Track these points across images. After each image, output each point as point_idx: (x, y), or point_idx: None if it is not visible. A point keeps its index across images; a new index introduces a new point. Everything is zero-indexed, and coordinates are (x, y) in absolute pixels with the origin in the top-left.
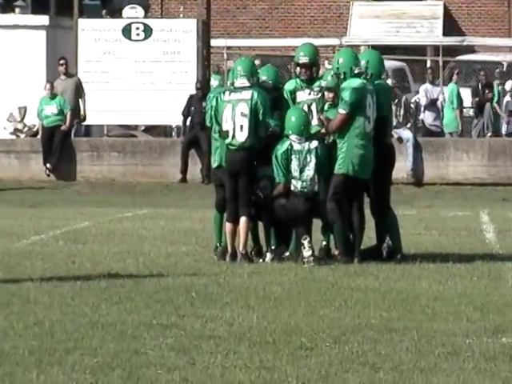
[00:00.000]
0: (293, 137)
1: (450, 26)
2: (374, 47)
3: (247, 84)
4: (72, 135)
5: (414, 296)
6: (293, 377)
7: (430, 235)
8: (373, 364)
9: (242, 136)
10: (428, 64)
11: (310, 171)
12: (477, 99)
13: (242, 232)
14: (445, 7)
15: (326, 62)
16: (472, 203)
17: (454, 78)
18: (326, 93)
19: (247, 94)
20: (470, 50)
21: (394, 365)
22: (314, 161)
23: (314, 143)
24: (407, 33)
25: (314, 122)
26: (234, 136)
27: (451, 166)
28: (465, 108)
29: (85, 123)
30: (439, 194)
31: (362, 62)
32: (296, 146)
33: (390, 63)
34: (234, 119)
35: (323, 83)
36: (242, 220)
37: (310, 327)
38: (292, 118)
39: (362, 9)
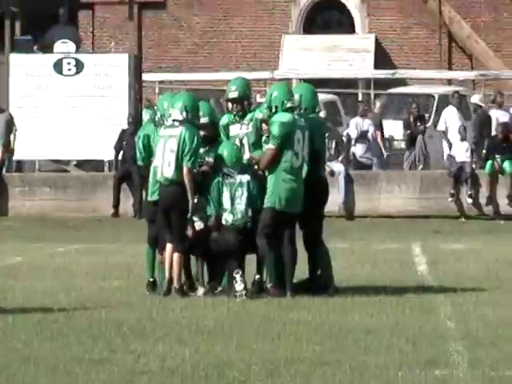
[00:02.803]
0: (224, 169)
1: (382, 58)
2: (305, 80)
3: (180, 118)
4: (4, 170)
5: (347, 329)
6: None
7: (362, 268)
8: None
9: (169, 172)
10: (360, 97)
11: (240, 204)
12: (408, 131)
13: (175, 267)
14: (376, 40)
15: (258, 95)
16: (404, 236)
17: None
18: (263, 125)
19: (177, 131)
20: (402, 82)
21: None
22: (245, 194)
23: (246, 177)
24: (339, 66)
25: (246, 155)
26: (162, 172)
27: (383, 199)
28: (396, 140)
29: (17, 158)
30: (371, 227)
31: (296, 96)
32: (227, 179)
33: (321, 96)
34: (163, 155)
35: (260, 115)
36: (175, 255)
37: (243, 361)
38: (224, 151)
39: (293, 42)
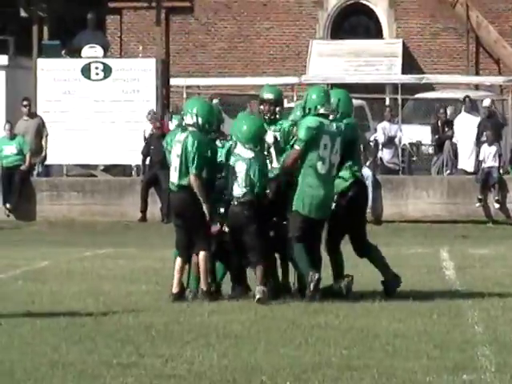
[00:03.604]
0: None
1: (409, 63)
2: (333, 85)
3: (190, 122)
4: (34, 175)
5: (374, 334)
6: None
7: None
8: None
9: (174, 177)
10: (387, 102)
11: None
12: (436, 136)
13: (201, 268)
14: (404, 45)
15: (286, 100)
16: (431, 240)
17: None
18: (294, 127)
19: (183, 136)
20: (430, 87)
21: None
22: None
23: (250, 153)
24: (366, 71)
25: (274, 164)
26: (171, 177)
27: (410, 204)
28: (424, 145)
29: (45, 163)
30: (398, 232)
31: (333, 100)
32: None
33: None
34: (172, 160)
35: (286, 124)
36: (201, 254)
37: (271, 365)
38: (243, 126)
39: (321, 47)
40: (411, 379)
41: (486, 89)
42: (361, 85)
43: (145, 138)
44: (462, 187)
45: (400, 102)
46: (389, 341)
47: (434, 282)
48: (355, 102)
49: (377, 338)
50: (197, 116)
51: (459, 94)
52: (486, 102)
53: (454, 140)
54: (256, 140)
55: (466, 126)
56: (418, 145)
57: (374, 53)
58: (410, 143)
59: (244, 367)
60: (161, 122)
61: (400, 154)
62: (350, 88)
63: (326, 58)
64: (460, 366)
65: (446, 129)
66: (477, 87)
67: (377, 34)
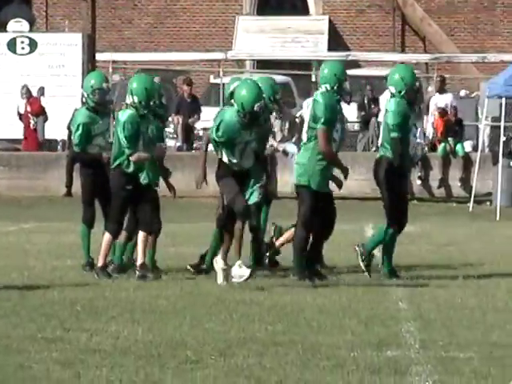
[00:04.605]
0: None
1: (335, 40)
2: (258, 61)
3: (128, 101)
4: None
5: (299, 309)
6: None
7: None
8: (258, 377)
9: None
10: (313, 79)
11: None
12: (362, 113)
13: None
14: (330, 22)
15: (212, 76)
16: (357, 217)
17: None
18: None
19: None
20: (356, 64)
21: (279, 378)
22: None
23: None
24: (292, 47)
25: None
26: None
27: None
28: (350, 122)
29: None
30: None
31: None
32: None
33: (275, 78)
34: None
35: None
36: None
37: (196, 340)
38: (243, 91)
39: (247, 23)
40: (335, 355)
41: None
42: (287, 61)
43: (18, 113)
44: None
45: None
46: (313, 316)
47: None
48: (281, 78)
49: (301, 314)
50: (132, 95)
51: (385, 72)
52: None
53: (379, 117)
54: None
55: None
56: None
57: (300, 29)
58: None
59: (169, 342)
60: (35, 98)
61: None
62: (276, 64)
63: (253, 34)
64: (384, 342)
65: (372, 106)
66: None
67: (303, 10)
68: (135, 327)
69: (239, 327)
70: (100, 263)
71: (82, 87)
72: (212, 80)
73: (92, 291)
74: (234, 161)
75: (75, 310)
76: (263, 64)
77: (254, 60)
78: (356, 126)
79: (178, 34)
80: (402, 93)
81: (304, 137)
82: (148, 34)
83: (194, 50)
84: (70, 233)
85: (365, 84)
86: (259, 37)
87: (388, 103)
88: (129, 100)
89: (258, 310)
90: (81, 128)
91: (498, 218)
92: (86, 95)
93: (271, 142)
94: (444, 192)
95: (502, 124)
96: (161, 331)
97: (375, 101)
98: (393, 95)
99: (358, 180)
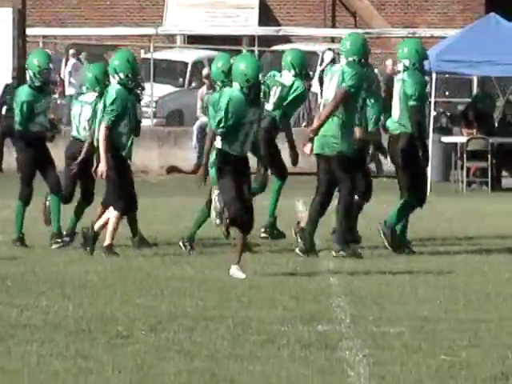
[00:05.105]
0: None
1: (266, 15)
2: (189, 36)
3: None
4: None
5: (230, 285)
6: (109, 365)
7: None
8: (188, 352)
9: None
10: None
11: None
12: None
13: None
14: None
15: (143, 51)
16: (288, 192)
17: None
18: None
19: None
20: (287, 39)
21: (209, 353)
22: None
23: None
24: (223, 22)
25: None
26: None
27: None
28: None
29: None
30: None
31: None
32: None
33: (205, 53)
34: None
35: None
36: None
37: (126, 316)
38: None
39: None
40: (266, 329)
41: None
42: (218, 36)
43: None
44: None
45: (257, 53)
46: (244, 292)
47: (291, 234)
48: (212, 53)
49: (232, 289)
50: (116, 72)
51: (316, 47)
52: (328, 56)
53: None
54: None
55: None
56: None
57: (230, 4)
58: None
59: (100, 317)
60: (17, 72)
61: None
62: (207, 39)
63: (184, 8)
64: (315, 317)
65: (304, 81)
66: (333, 40)
67: None
68: (66, 302)
69: (170, 302)
70: (107, 242)
71: (27, 66)
72: (143, 55)
73: (23, 266)
74: (236, 148)
75: (5, 285)
76: (193, 39)
77: (184, 35)
78: None
79: (108, 8)
80: (417, 65)
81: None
82: (78, 9)
83: (125, 25)
84: (1, 208)
85: None
86: (190, 12)
87: (403, 76)
88: (114, 80)
89: (188, 286)
90: (25, 106)
91: (428, 193)
92: (31, 74)
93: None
94: (375, 167)
95: (433, 100)
96: (91, 306)
97: (307, 76)
98: (406, 68)
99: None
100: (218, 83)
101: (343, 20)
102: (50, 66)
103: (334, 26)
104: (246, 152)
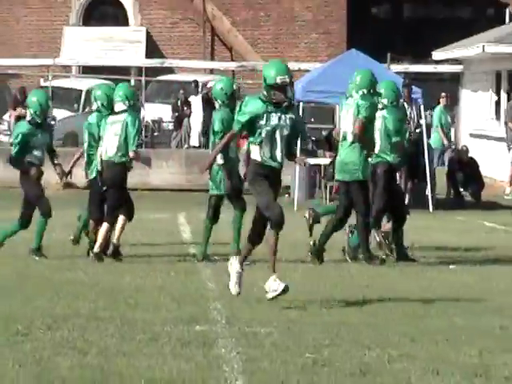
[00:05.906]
0: None
1: (153, 49)
2: (84, 67)
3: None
4: None
5: (119, 289)
6: (9, 360)
7: (132, 236)
8: (81, 349)
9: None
10: (132, 83)
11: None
12: (176, 114)
13: (102, 234)
14: (147, 33)
15: (42, 79)
16: (171, 207)
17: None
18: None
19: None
20: (171, 70)
21: (100, 350)
22: None
23: None
24: (114, 55)
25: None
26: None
27: (153, 173)
28: (165, 122)
29: None
30: (141, 199)
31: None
32: None
33: (98, 82)
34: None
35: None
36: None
37: (26, 316)
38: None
39: (74, 32)
40: (151, 329)
41: (221, 73)
42: (109, 68)
43: None
44: (198, 160)
45: (144, 83)
46: (131, 295)
47: (172, 243)
48: (103, 82)
49: (120, 293)
50: (96, 100)
51: (196, 78)
52: (210, 85)
53: (191, 118)
54: None
55: (200, 106)
56: (160, 121)
57: (121, 39)
58: (152, 120)
59: (1, 317)
60: None
61: (143, 130)
62: (100, 70)
63: (79, 42)
64: (194, 318)
65: (185, 108)
66: (212, 71)
67: (124, 22)
68: None
69: (65, 304)
70: (116, 243)
71: (27, 104)
72: (42, 83)
73: None
74: (266, 153)
75: None
76: (87, 70)
77: (79, 66)
78: (170, 126)
79: (10, 40)
80: (394, 103)
81: (349, 137)
82: None
83: (26, 57)
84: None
85: (178, 88)
86: (85, 45)
87: (383, 114)
88: (94, 106)
89: (81, 289)
90: (20, 137)
91: (295, 210)
92: (31, 112)
93: None
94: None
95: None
96: None
97: (187, 103)
98: (385, 106)
99: (173, 174)
100: (219, 101)
101: (221, 54)
102: (50, 104)
103: (212, 59)
104: (278, 161)
